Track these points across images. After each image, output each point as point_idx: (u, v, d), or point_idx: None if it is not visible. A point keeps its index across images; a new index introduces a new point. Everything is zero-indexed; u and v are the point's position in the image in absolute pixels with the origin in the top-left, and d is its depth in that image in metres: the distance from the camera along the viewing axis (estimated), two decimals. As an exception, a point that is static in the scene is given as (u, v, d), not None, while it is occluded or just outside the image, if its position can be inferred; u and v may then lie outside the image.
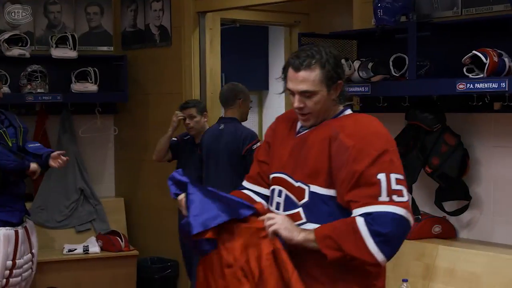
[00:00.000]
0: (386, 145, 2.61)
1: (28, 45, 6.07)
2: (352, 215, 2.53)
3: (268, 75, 8.20)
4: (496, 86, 3.78)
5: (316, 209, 2.61)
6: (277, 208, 2.71)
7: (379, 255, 2.48)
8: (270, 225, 2.57)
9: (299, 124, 2.79)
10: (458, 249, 4.22)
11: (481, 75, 3.86)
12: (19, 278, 5.06)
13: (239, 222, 2.63)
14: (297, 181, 2.65)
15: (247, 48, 7.94)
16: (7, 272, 4.95)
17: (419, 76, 4.15)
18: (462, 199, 4.36)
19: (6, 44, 5.98)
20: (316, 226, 2.57)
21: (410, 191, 4.37)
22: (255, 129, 8.45)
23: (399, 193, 2.53)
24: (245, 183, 2.96)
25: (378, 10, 4.32)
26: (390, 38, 4.36)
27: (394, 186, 2.52)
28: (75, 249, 6.02)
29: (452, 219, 4.46)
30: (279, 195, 2.71)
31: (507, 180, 4.25)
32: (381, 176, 2.52)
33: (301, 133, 2.74)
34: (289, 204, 2.67)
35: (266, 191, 2.87)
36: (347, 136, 2.58)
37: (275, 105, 7.94)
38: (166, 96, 6.22)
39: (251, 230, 2.61)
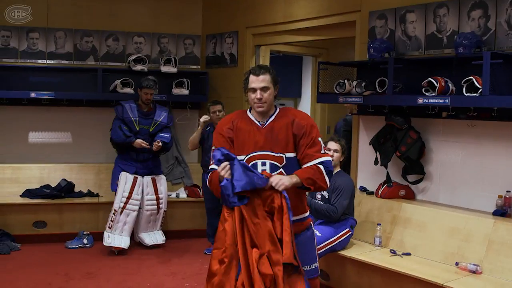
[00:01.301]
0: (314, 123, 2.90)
1: (147, 63, 6.11)
2: (312, 163, 2.76)
3: (301, 87, 8.15)
4: (443, 102, 3.81)
5: (290, 166, 2.78)
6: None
7: (328, 183, 2.82)
8: (279, 183, 2.67)
9: (253, 119, 2.81)
10: (415, 206, 4.21)
11: (434, 94, 3.87)
12: (135, 207, 5.19)
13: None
14: (277, 153, 2.75)
15: (287, 70, 7.93)
16: (124, 200, 5.18)
17: (394, 92, 4.16)
18: (419, 174, 4.34)
19: (133, 62, 6.05)
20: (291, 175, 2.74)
21: (386, 167, 4.41)
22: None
23: (324, 148, 2.87)
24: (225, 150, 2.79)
25: (370, 49, 4.40)
26: (377, 67, 4.37)
27: (323, 145, 2.86)
28: (170, 195, 5.88)
29: (412, 187, 4.44)
30: (263, 164, 2.75)
31: (448, 163, 4.22)
32: (319, 139, 2.84)
33: (266, 124, 2.79)
34: (273, 168, 2.75)
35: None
36: (300, 119, 2.80)
37: (305, 108, 7.98)
38: (232, 99, 6.07)
39: (266, 189, 2.71)
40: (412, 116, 4.33)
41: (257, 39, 6.00)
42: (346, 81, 4.47)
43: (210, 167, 2.81)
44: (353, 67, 4.77)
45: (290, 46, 6.44)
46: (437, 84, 3.85)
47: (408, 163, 4.34)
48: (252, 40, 6.01)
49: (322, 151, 2.81)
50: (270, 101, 2.80)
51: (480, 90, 3.57)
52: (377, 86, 4.31)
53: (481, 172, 4.03)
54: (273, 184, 2.64)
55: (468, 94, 3.65)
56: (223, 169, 2.66)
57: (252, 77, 2.79)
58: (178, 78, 6.23)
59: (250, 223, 2.59)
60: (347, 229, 4.10)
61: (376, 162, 4.41)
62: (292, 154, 2.80)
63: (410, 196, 4.45)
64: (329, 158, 2.81)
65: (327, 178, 2.79)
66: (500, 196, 3.87)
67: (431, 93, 3.89)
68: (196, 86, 6.36)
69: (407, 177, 4.39)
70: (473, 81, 3.62)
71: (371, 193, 4.59)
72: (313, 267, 2.85)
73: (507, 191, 3.86)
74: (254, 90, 2.78)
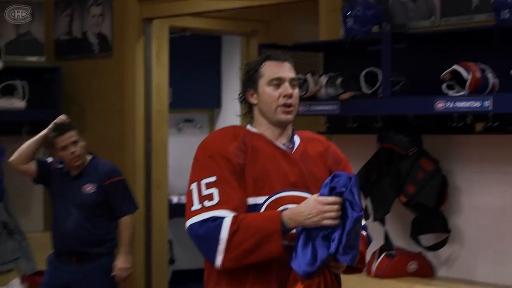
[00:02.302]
0: None
1: None
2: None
3: (220, 90, 8.18)
4: (479, 105, 3.82)
5: None
6: None
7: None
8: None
9: (272, 139, 2.86)
10: (436, 288, 4.24)
11: (462, 93, 3.90)
12: None
13: None
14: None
15: (198, 60, 7.92)
16: None
17: (393, 93, 4.17)
18: (440, 232, 4.38)
19: None
20: None
21: (383, 223, 4.44)
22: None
23: None
24: (233, 214, 2.73)
25: (348, 19, 4.37)
26: (362, 50, 4.39)
27: None
28: (-7, 294, 5.80)
29: (429, 255, 4.47)
30: None
31: (491, 211, 4.27)
32: None
33: (295, 149, 2.89)
34: None
35: None
36: (336, 149, 3.00)
37: (229, 125, 7.87)
38: (106, 113, 6.18)
39: None
40: (426, 132, 4.41)
41: (146, 8, 6.07)
42: (309, 76, 4.48)
43: (217, 214, 2.70)
44: (318, 52, 4.83)
45: (202, 19, 6.57)
46: (468, 75, 3.89)
47: (420, 214, 4.39)
48: (138, 10, 6.07)
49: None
50: (297, 107, 2.92)
51: None
52: (363, 83, 4.34)
53: None
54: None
55: None
56: (331, 208, 2.67)
57: (272, 64, 2.87)
58: (5, 80, 6.18)
59: None
60: None
61: (366, 215, 4.30)
62: None
63: (426, 271, 4.52)
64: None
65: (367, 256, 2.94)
66: None
67: (458, 91, 3.95)
68: (39, 93, 6.30)
69: (419, 239, 4.43)
70: None
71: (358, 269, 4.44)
72: None
73: None
74: (280, 81, 2.84)
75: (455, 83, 3.95)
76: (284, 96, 2.82)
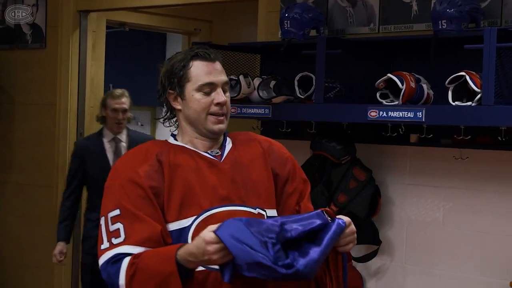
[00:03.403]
0: None
1: None
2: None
3: (165, 89, 8.10)
4: (412, 116, 3.79)
5: None
6: None
7: None
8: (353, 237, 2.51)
9: (196, 150, 2.61)
10: (365, 302, 4.23)
11: (396, 102, 3.87)
12: None
13: None
14: (255, 208, 2.58)
15: (142, 57, 7.83)
16: None
17: (327, 99, 4.12)
18: (370, 243, 4.37)
19: None
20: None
21: None
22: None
23: None
24: (138, 249, 2.49)
25: (285, 21, 4.32)
26: (298, 54, 4.34)
27: None
28: None
29: (359, 266, 4.45)
30: None
31: (423, 223, 4.28)
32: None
33: (225, 156, 2.64)
34: None
35: None
36: (279, 148, 2.75)
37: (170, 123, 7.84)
38: (37, 107, 6.10)
39: None
40: (359, 141, 4.42)
41: (82, 0, 6.00)
42: (241, 77, 4.42)
43: (119, 251, 2.47)
44: (254, 54, 4.84)
45: (144, 15, 6.49)
46: (402, 85, 3.87)
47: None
48: (73, 1, 6.03)
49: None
50: (229, 114, 2.69)
51: (479, 95, 3.61)
52: (296, 88, 4.30)
53: (480, 242, 4.12)
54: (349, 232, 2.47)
55: (457, 102, 3.70)
56: (215, 250, 2.29)
57: (201, 64, 2.60)
58: None
59: None
60: None
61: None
62: (274, 212, 2.66)
63: (355, 283, 4.50)
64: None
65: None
66: None
67: (392, 101, 3.95)
68: None
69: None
70: (466, 80, 3.65)
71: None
72: None
73: None
74: (211, 87, 2.60)
75: (389, 92, 3.93)
76: (217, 104, 2.58)
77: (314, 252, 2.33)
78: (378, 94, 3.95)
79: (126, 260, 2.43)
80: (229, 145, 2.68)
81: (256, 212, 2.57)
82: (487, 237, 4.09)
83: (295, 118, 4.35)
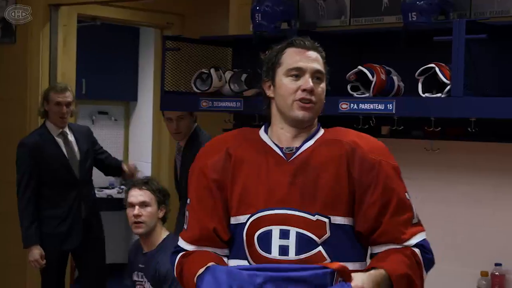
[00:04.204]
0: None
1: None
2: (403, 245, 2.52)
3: (137, 83, 8.06)
4: (383, 108, 3.79)
5: (339, 243, 2.48)
6: (283, 253, 2.47)
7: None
8: None
9: (270, 144, 2.58)
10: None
11: (367, 95, 3.87)
12: None
13: None
14: (314, 214, 2.47)
15: (115, 51, 7.78)
16: None
17: None
18: None
19: None
20: (341, 263, 2.44)
21: None
22: (120, 146, 8.31)
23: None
24: (189, 247, 2.63)
25: (257, 15, 4.29)
26: (269, 47, 4.29)
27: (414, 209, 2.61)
28: None
29: None
30: (284, 236, 2.47)
31: None
32: (408, 196, 2.57)
33: (297, 154, 2.55)
34: (304, 245, 2.46)
35: (224, 251, 2.61)
36: (369, 150, 2.54)
37: (144, 119, 7.79)
38: (5, 102, 6.03)
39: None
40: None
41: None
42: (213, 71, 4.41)
43: (180, 244, 2.64)
44: (226, 47, 4.82)
45: (115, 9, 6.44)
46: (373, 77, 3.86)
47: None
48: None
49: (415, 220, 2.58)
50: (320, 107, 2.58)
51: (449, 87, 3.61)
52: None
53: (450, 232, 4.13)
54: None
55: (427, 94, 3.70)
56: None
57: (294, 51, 2.56)
58: None
59: None
60: None
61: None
62: (344, 220, 2.51)
63: None
64: (425, 235, 2.60)
65: (424, 274, 2.55)
66: (484, 274, 3.93)
67: (363, 93, 3.95)
68: None
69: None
70: (435, 72, 3.65)
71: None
72: None
73: (496, 265, 3.92)
74: (299, 71, 2.53)
75: (360, 85, 3.92)
76: (304, 90, 2.49)
77: None
78: (349, 87, 3.94)
79: (178, 256, 2.60)
80: (310, 142, 2.57)
81: (315, 219, 2.47)
82: (458, 227, 4.09)
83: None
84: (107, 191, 7.61)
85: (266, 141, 2.58)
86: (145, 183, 4.11)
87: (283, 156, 2.53)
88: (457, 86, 3.54)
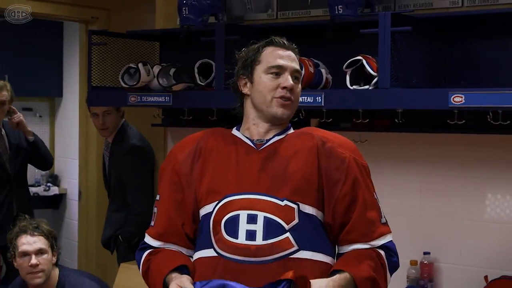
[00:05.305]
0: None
1: None
2: (370, 245, 2.52)
3: (62, 79, 7.89)
4: (312, 101, 3.79)
5: (308, 232, 2.47)
6: (250, 238, 2.44)
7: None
8: None
9: (241, 137, 2.61)
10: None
11: None
12: None
13: None
14: (282, 199, 2.47)
15: (38, 46, 7.59)
16: None
17: (227, 86, 3.97)
18: None
19: None
20: (309, 254, 2.45)
21: None
22: (46, 143, 8.13)
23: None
24: (156, 243, 2.64)
25: (183, 8, 4.25)
26: (197, 41, 4.27)
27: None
28: None
29: None
30: (252, 220, 2.46)
31: None
32: (376, 196, 2.60)
33: (266, 145, 2.57)
34: (272, 230, 2.44)
35: (189, 252, 2.62)
36: (338, 145, 2.56)
37: (70, 115, 7.64)
38: None
39: None
40: None
41: None
42: (140, 65, 4.35)
43: (145, 240, 2.66)
44: (153, 42, 4.79)
45: (39, 3, 6.21)
46: (301, 70, 3.69)
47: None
48: None
49: (383, 220, 2.59)
50: (297, 104, 2.63)
51: (376, 79, 3.61)
52: (196, 75, 4.26)
53: None
54: None
55: (355, 86, 3.69)
56: None
57: (275, 50, 2.60)
58: None
59: None
60: None
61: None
62: (312, 210, 2.51)
63: None
64: (391, 237, 2.60)
65: (389, 277, 2.56)
66: (413, 263, 3.95)
67: None
68: None
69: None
70: (363, 64, 3.65)
71: None
72: None
73: (424, 253, 3.94)
74: (280, 69, 2.57)
75: (289, 78, 3.91)
76: (283, 88, 2.53)
77: None
78: (277, 80, 3.94)
79: (146, 252, 2.61)
80: (281, 135, 2.60)
81: (283, 204, 2.47)
82: (386, 217, 4.13)
83: (196, 105, 4.32)
84: (33, 189, 7.44)
85: (236, 135, 2.62)
86: (36, 227, 3.77)
87: (254, 146, 2.56)
88: (384, 78, 3.55)
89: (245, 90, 2.62)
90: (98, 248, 5.66)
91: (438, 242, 3.96)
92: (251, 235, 2.43)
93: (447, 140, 3.88)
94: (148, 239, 2.64)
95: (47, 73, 7.79)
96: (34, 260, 3.69)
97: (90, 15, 6.57)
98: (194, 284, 2.41)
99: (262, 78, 2.55)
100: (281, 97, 2.53)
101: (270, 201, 2.46)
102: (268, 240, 2.42)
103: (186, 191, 2.56)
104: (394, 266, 2.58)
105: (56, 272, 3.82)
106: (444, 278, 3.94)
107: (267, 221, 2.44)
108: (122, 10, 6.53)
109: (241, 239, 2.44)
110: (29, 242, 3.72)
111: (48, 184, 7.59)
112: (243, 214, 2.45)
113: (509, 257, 3.77)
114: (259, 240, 2.43)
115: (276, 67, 2.55)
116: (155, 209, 2.64)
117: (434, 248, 3.95)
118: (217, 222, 2.48)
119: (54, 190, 7.55)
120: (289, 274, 2.33)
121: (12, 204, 5.07)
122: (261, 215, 2.45)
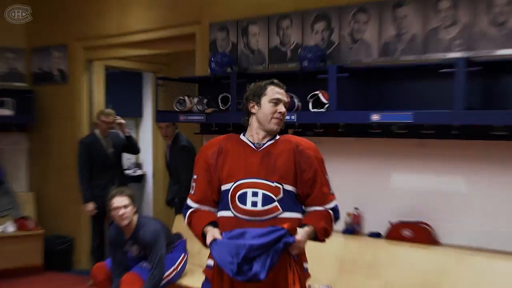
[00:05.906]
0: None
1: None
2: (324, 207, 2.48)
3: (142, 106, 7.77)
4: (288, 118, 3.67)
5: (288, 201, 2.42)
6: (254, 205, 2.39)
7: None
8: (301, 244, 2.39)
9: (246, 141, 2.51)
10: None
11: None
12: None
13: None
14: (273, 182, 2.41)
15: (128, 87, 7.49)
16: None
17: (238, 109, 3.98)
18: None
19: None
20: (289, 214, 2.41)
21: None
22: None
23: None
24: (195, 205, 2.53)
25: (212, 63, 4.17)
26: (220, 82, 4.17)
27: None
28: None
29: None
30: (255, 195, 2.40)
31: None
32: (327, 176, 2.53)
33: (263, 147, 2.49)
34: (267, 200, 2.39)
35: (215, 209, 2.52)
36: (306, 147, 2.50)
37: (147, 128, 7.54)
38: (63, 119, 5.72)
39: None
40: None
41: (88, 53, 5.61)
42: (186, 97, 4.25)
43: (188, 203, 2.56)
44: (194, 83, 4.59)
45: (128, 62, 6.13)
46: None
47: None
48: (83, 54, 5.62)
49: (331, 191, 2.54)
50: (284, 121, 2.57)
51: (327, 105, 3.53)
52: (220, 103, 4.15)
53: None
54: (296, 244, 2.35)
55: (315, 109, 3.60)
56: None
57: (275, 89, 2.54)
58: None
59: None
60: (182, 255, 3.96)
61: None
62: (290, 188, 2.46)
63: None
64: (336, 202, 2.56)
65: (334, 226, 2.53)
66: (348, 214, 3.84)
67: None
68: (23, 105, 5.78)
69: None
70: (319, 96, 3.57)
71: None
72: None
73: (355, 208, 3.86)
74: (278, 101, 2.52)
75: (275, 104, 3.79)
76: (279, 112, 2.48)
77: (265, 260, 2.24)
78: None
79: (189, 211, 2.51)
80: (272, 141, 2.51)
81: (274, 185, 2.41)
82: (335, 189, 3.97)
83: (219, 121, 4.18)
84: (126, 171, 7.32)
85: (243, 140, 2.53)
86: (122, 192, 3.65)
87: (255, 148, 2.49)
88: (332, 104, 3.47)
89: (253, 110, 2.52)
90: (163, 205, 5.54)
91: (364, 202, 3.83)
92: (254, 203, 2.39)
93: (370, 142, 3.75)
94: (189, 202, 2.54)
95: (133, 102, 7.68)
96: (122, 211, 3.59)
97: (158, 68, 6.49)
98: (221, 234, 2.36)
99: (266, 105, 2.49)
100: (277, 118, 2.49)
101: (266, 183, 2.41)
102: (265, 207, 2.38)
103: (213, 174, 2.48)
104: (337, 220, 2.52)
105: (136, 217, 3.71)
106: (366, 224, 3.82)
107: (264, 195, 2.39)
108: (176, 65, 6.44)
109: (248, 206, 2.39)
110: (119, 200, 3.62)
111: (136, 168, 7.46)
112: (249, 191, 2.40)
113: (405, 211, 3.63)
114: (259, 207, 2.38)
115: (276, 99, 2.50)
116: (193, 184, 2.54)
117: (361, 204, 3.83)
118: (233, 196, 2.41)
119: (139, 172, 7.43)
120: (286, 226, 2.31)
121: (114, 180, 4.94)
122: (260, 192, 2.40)
